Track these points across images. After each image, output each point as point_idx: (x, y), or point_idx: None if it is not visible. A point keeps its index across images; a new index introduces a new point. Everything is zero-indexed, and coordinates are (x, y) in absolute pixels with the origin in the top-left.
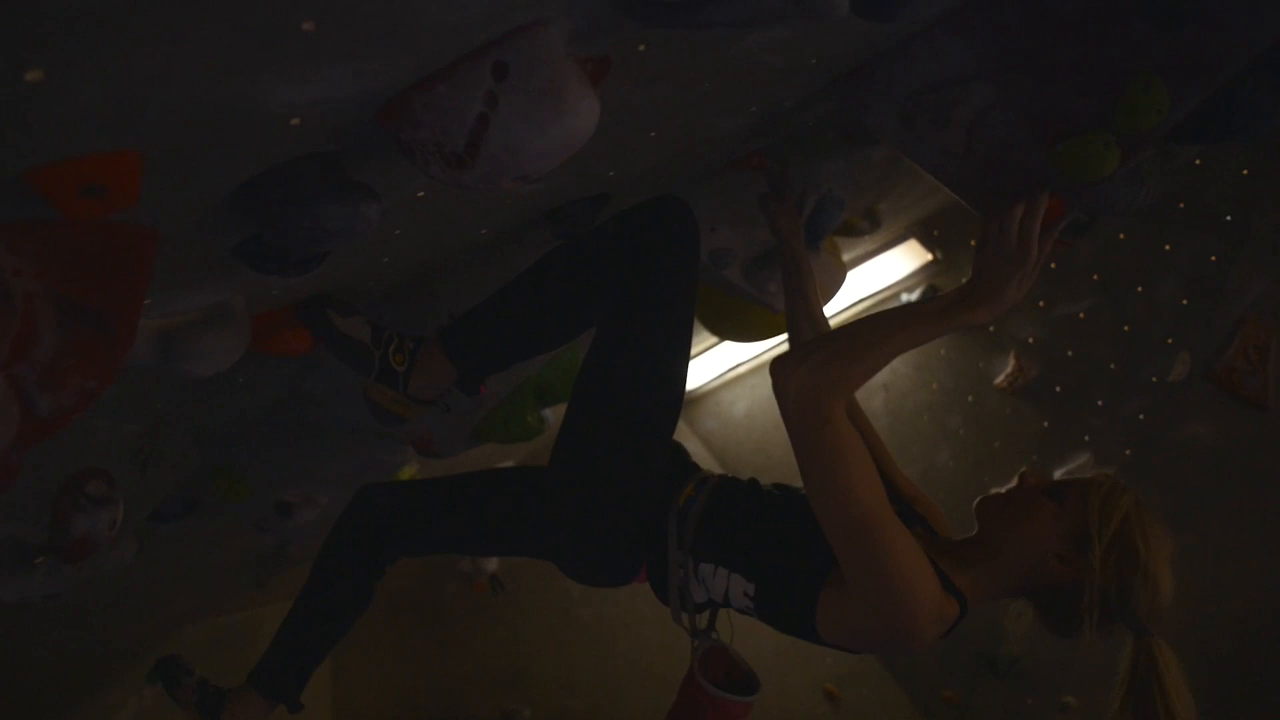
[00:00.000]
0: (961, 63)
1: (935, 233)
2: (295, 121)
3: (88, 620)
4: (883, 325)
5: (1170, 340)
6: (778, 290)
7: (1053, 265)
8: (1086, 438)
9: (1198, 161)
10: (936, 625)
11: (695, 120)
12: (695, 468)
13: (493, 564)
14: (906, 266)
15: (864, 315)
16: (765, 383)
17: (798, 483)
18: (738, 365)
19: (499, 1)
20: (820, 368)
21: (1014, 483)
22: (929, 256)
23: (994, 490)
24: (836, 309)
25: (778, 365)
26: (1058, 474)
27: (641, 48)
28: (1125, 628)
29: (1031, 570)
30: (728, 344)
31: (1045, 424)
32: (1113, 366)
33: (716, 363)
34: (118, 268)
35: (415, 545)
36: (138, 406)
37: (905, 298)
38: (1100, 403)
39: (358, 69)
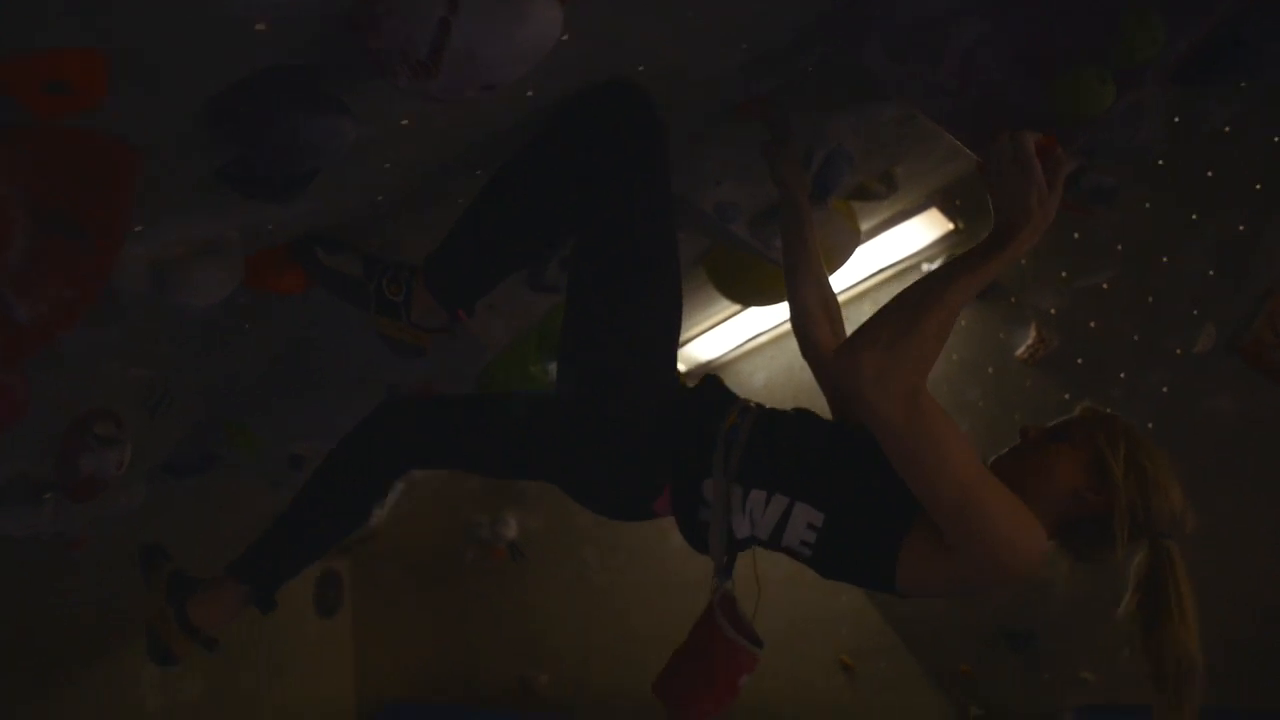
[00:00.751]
0: None
1: (957, 201)
2: (260, 26)
3: (113, 579)
4: (935, 287)
5: (1195, 312)
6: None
7: (1075, 235)
8: (1108, 410)
9: (1226, 129)
10: (1043, 556)
11: (684, 57)
12: (735, 397)
13: (511, 531)
14: (927, 236)
15: (902, 285)
16: (783, 353)
17: None
18: (756, 336)
19: None
20: (892, 348)
21: (1017, 441)
22: (950, 226)
23: (997, 455)
24: (857, 279)
25: (843, 358)
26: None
27: None
28: (1146, 539)
29: (1066, 510)
30: (744, 315)
31: (1066, 396)
32: (1136, 338)
33: (734, 334)
34: (97, 179)
35: (429, 460)
36: (145, 352)
37: (926, 267)
38: (1122, 375)
39: None
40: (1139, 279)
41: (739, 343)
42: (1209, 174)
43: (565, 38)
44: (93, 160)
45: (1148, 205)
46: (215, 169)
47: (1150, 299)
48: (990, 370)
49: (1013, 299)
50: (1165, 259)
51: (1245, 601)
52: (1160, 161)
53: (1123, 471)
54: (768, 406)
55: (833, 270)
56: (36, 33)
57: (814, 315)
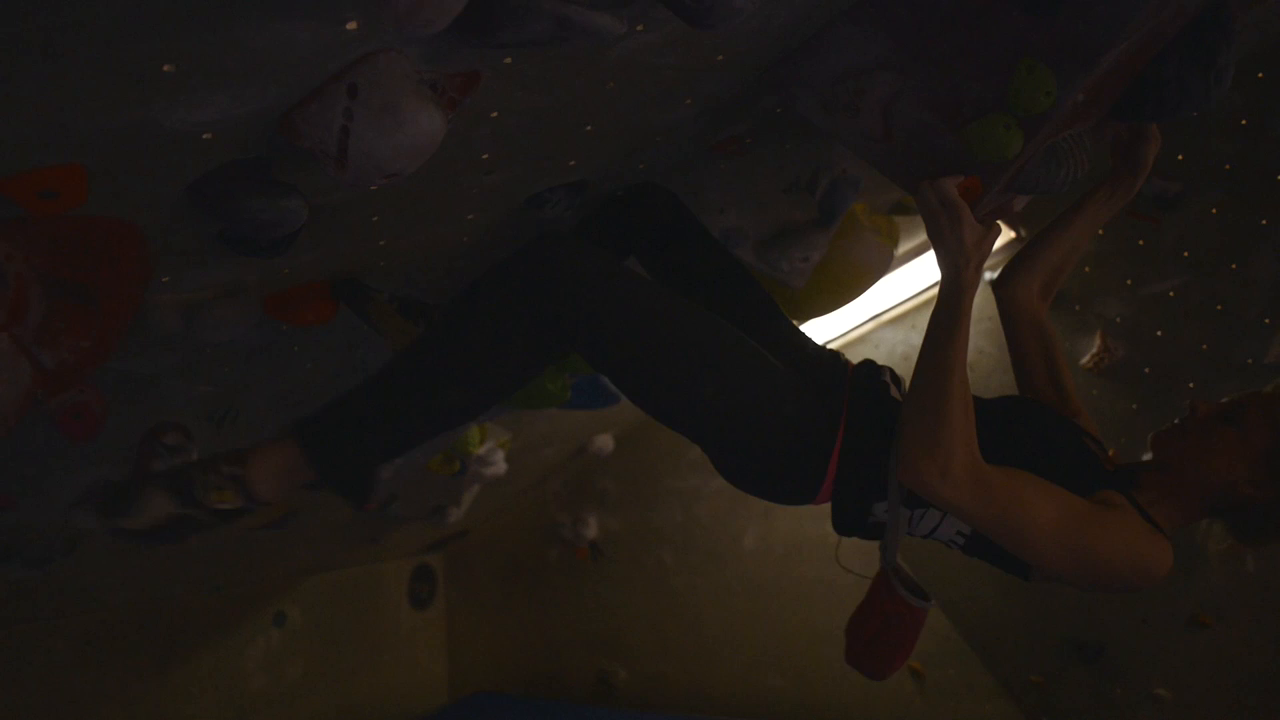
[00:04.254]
0: (865, 53)
1: (1019, 209)
2: (207, 136)
3: (216, 564)
4: (931, 368)
5: (1267, 320)
6: (790, 269)
7: (1140, 242)
8: (1177, 421)
9: None
10: (1168, 569)
11: (628, 114)
12: (890, 398)
13: (592, 531)
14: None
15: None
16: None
17: None
18: None
19: (332, 39)
20: (935, 446)
21: (1186, 414)
22: (1012, 234)
23: (1165, 426)
24: (916, 290)
25: (908, 478)
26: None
27: (508, 60)
28: None
29: (1221, 497)
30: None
31: (1134, 406)
32: (1205, 347)
33: None
34: (100, 251)
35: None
36: (208, 373)
37: (989, 275)
38: (1191, 385)
39: (235, 96)
40: (1207, 286)
41: None
42: (1278, 178)
43: (495, 114)
44: (94, 237)
45: (1215, 211)
46: (214, 233)
47: (1219, 307)
48: None
49: (1077, 307)
50: (1234, 266)
51: None
52: (1228, 166)
53: None
54: None
55: (864, 289)
56: (33, 154)
57: (1034, 270)
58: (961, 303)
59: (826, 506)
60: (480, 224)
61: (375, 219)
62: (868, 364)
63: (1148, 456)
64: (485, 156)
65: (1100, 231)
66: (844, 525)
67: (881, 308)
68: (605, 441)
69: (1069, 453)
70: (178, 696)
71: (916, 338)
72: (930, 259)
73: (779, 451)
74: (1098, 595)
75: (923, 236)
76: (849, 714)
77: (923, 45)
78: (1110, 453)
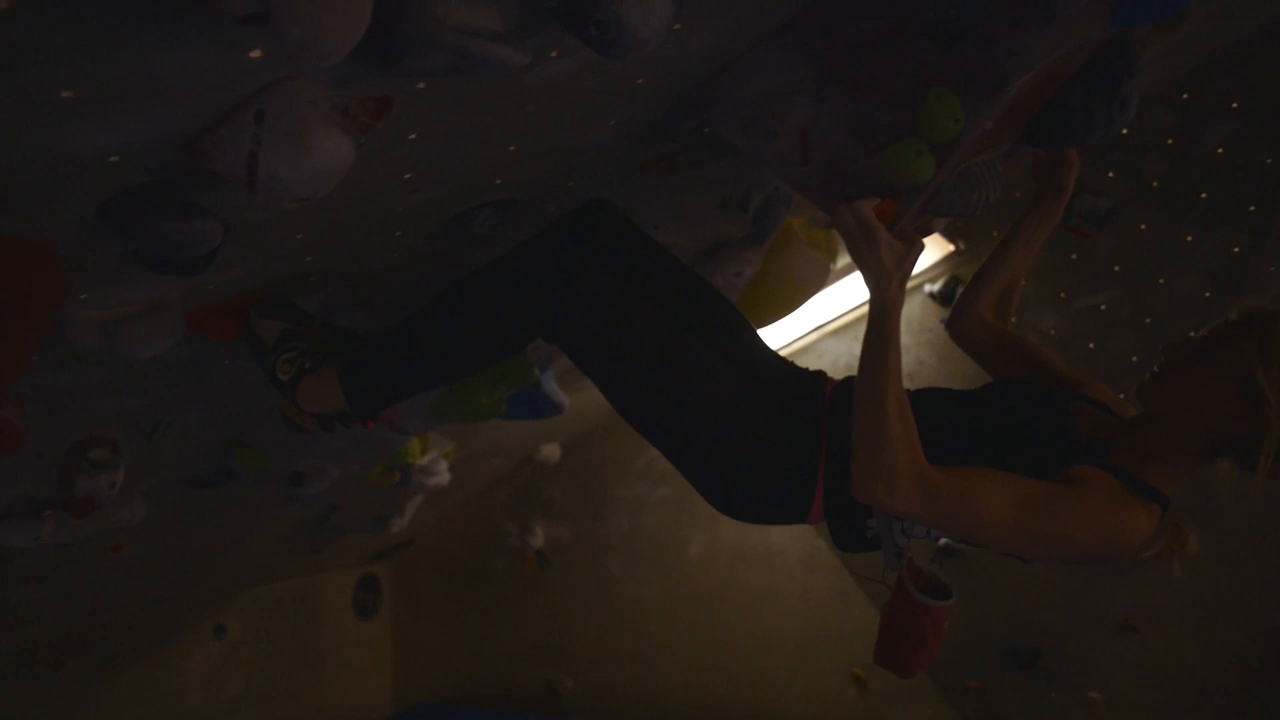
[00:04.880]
0: (783, 79)
1: (958, 223)
2: (114, 159)
3: (154, 578)
4: (868, 392)
5: (1193, 333)
6: (723, 284)
7: (1074, 256)
8: (1155, 368)
9: (1220, 151)
10: (1145, 537)
11: (552, 135)
12: None
13: (539, 540)
14: (930, 258)
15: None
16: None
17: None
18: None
19: (236, 67)
20: (879, 466)
21: (1162, 359)
22: (951, 247)
23: (1144, 376)
24: (859, 301)
25: (862, 497)
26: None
27: (421, 85)
28: None
29: (1212, 438)
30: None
31: None
32: (1134, 359)
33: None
34: (9, 271)
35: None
36: (139, 386)
37: (929, 288)
38: (1122, 395)
39: (139, 120)
40: (1137, 300)
41: None
42: (1204, 196)
43: (413, 136)
44: (1, 256)
45: (1144, 227)
46: (130, 252)
47: (1148, 320)
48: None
49: (1013, 319)
50: (1162, 280)
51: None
52: (1156, 184)
53: (1276, 393)
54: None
55: (801, 302)
56: None
57: (980, 303)
58: (888, 321)
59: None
60: (409, 240)
61: (300, 236)
62: (848, 381)
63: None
64: (408, 176)
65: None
66: (845, 543)
67: (825, 319)
68: (552, 450)
69: (1035, 434)
70: (112, 714)
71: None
72: None
73: (765, 476)
74: (1075, 569)
75: None
76: None
77: (838, 72)
78: (1129, 412)
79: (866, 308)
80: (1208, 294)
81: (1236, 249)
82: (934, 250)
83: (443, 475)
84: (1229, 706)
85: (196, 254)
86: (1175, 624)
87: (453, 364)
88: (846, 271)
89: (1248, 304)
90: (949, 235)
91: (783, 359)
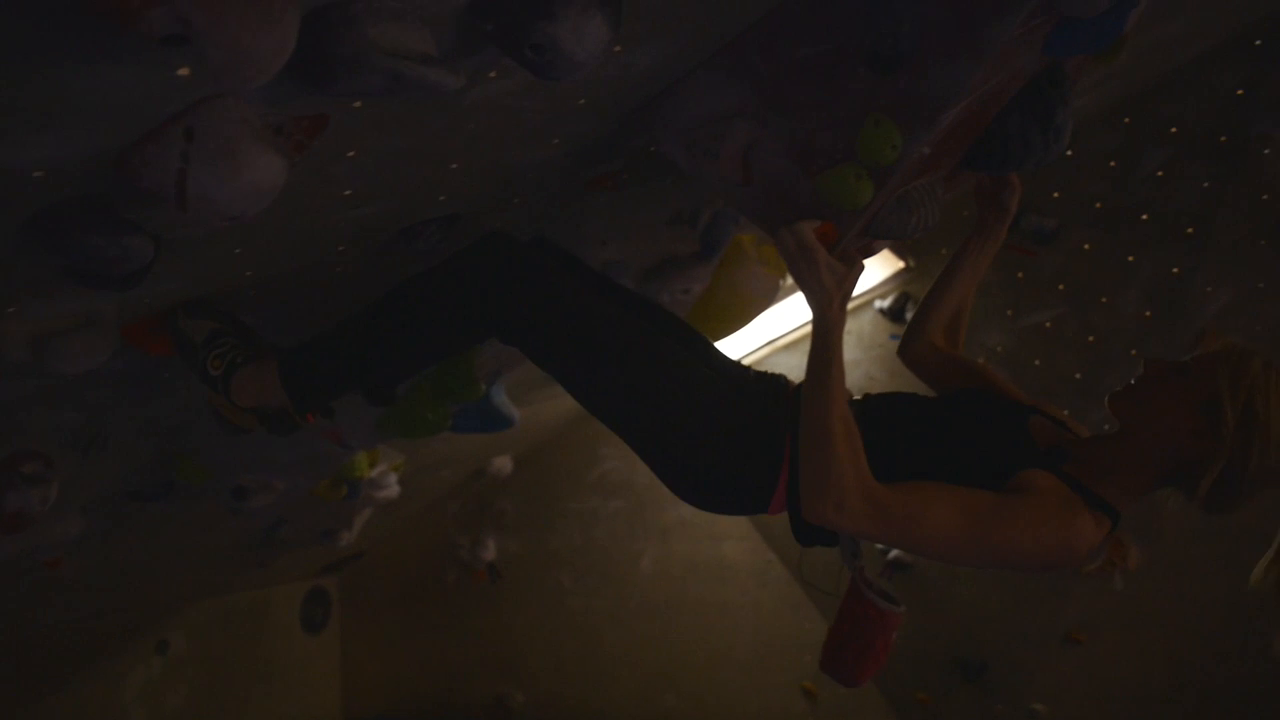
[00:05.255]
0: (724, 101)
1: (907, 240)
2: (38, 174)
3: (93, 593)
4: (813, 412)
5: (1134, 351)
6: (671, 300)
7: (1020, 274)
8: (1131, 381)
9: (1160, 173)
10: (1092, 545)
11: (494, 153)
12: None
13: (490, 553)
14: (879, 274)
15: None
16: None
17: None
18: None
19: (163, 84)
20: (827, 486)
21: (1140, 373)
22: (901, 264)
23: (1119, 387)
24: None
25: (811, 516)
26: None
27: (357, 105)
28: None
29: (1170, 454)
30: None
31: None
32: (1078, 376)
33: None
34: None
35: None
36: (75, 399)
37: (879, 304)
38: (1066, 412)
39: (64, 137)
40: (1081, 318)
41: None
42: (1144, 217)
43: (352, 154)
44: None
45: (1087, 247)
46: (59, 267)
47: (1091, 338)
48: None
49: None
50: (1104, 299)
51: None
52: (1099, 205)
53: (1235, 416)
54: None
55: (750, 318)
56: None
57: (930, 328)
58: (830, 340)
59: (727, 527)
60: (353, 256)
61: (238, 251)
62: None
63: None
64: (348, 193)
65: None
66: (803, 535)
67: (775, 334)
68: (504, 463)
69: (993, 440)
70: None
71: None
72: None
73: (731, 459)
74: (1022, 580)
75: None
76: None
77: (779, 95)
78: (1084, 433)
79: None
80: (1148, 313)
81: (1175, 269)
82: (884, 267)
83: (392, 488)
84: (1168, 715)
85: (127, 270)
86: (1117, 636)
87: (399, 357)
88: (796, 288)
89: (1229, 338)
90: (898, 252)
91: (741, 363)
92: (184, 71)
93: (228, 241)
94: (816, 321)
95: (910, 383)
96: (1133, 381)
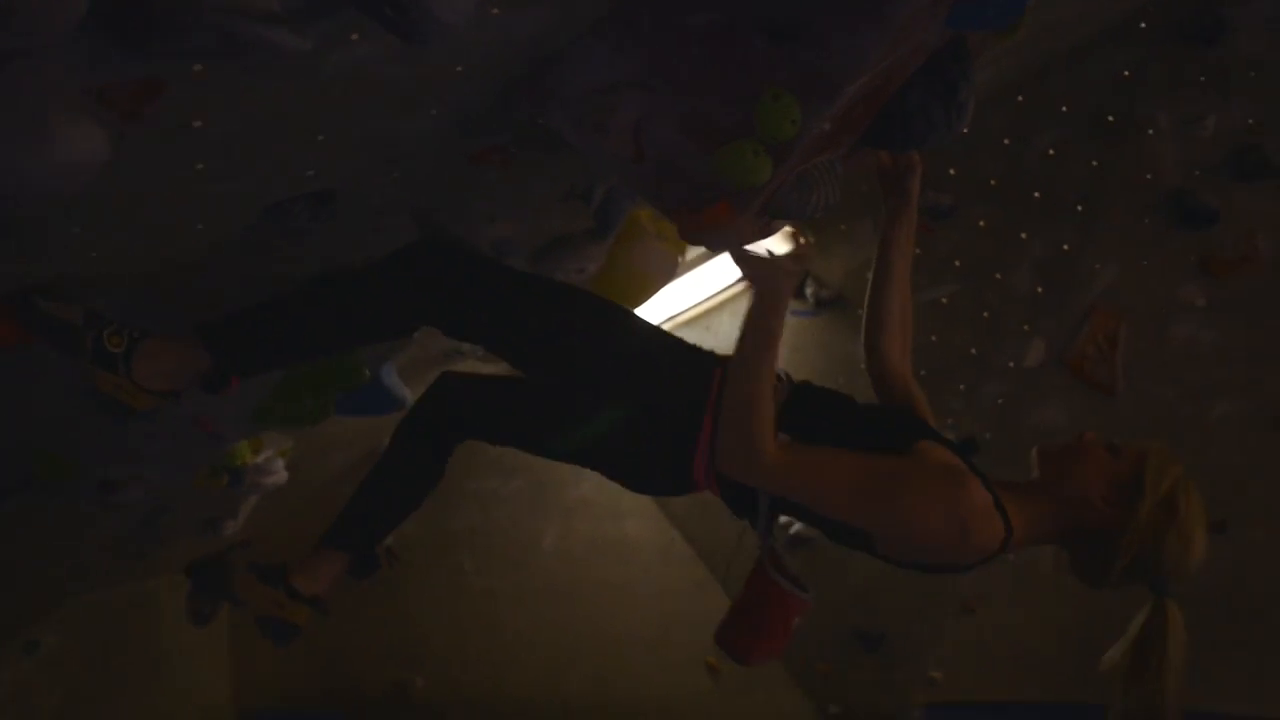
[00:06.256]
0: (614, 70)
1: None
2: None
3: None
4: (752, 364)
5: (1026, 327)
6: (567, 280)
7: (917, 251)
8: (950, 420)
9: (1051, 152)
10: (985, 531)
11: (366, 123)
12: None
13: (387, 537)
14: (778, 249)
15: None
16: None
17: None
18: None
19: None
20: (740, 444)
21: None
22: (801, 241)
23: (1051, 443)
24: (712, 292)
25: (727, 464)
26: None
27: (198, 68)
28: (1147, 585)
29: (1078, 511)
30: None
31: None
32: (973, 351)
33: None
34: None
35: (482, 434)
36: None
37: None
38: (962, 387)
39: None
40: (976, 295)
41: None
42: (1036, 195)
43: (198, 124)
44: None
45: (982, 224)
46: None
47: (986, 314)
48: (841, 380)
49: (859, 311)
50: (999, 276)
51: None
52: (994, 182)
53: (1154, 500)
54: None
55: (649, 295)
56: None
57: (889, 328)
58: (782, 313)
59: (629, 506)
60: (216, 235)
61: (76, 231)
62: None
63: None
64: (200, 167)
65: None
66: (736, 501)
67: (677, 309)
68: None
69: (895, 421)
70: None
71: (711, 339)
72: (716, 264)
73: (658, 419)
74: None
75: None
76: (647, 713)
77: (671, 66)
78: None
79: (719, 298)
80: (1040, 289)
81: (1066, 246)
82: (782, 245)
83: (280, 474)
84: (1053, 676)
85: None
86: (1008, 605)
87: (331, 334)
88: (696, 263)
89: (1160, 444)
90: (798, 230)
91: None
92: None
93: (64, 220)
94: (775, 296)
95: (806, 358)
96: (1068, 441)
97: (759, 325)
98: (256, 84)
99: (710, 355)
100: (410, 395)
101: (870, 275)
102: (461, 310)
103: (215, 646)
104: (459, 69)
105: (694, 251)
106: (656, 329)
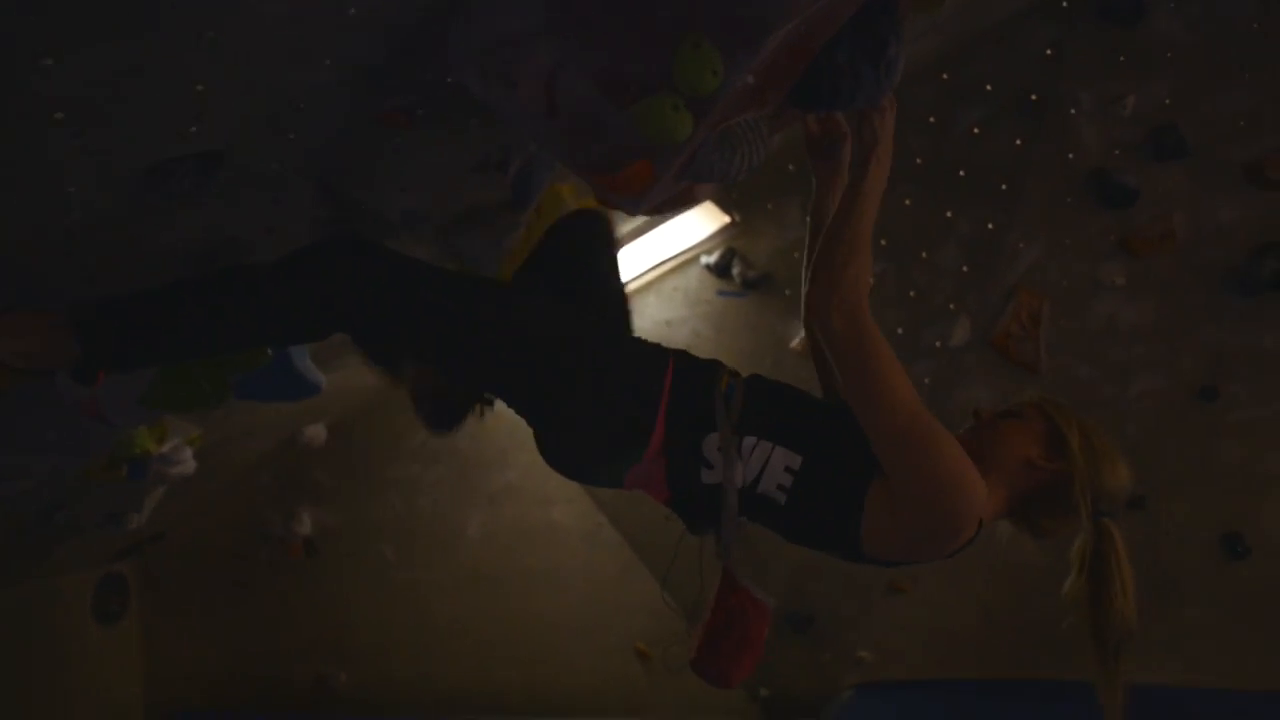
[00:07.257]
0: (520, 20)
1: (732, 194)
2: None
3: None
4: (849, 222)
5: (952, 306)
6: (480, 254)
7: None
8: (967, 426)
9: (975, 130)
10: (975, 523)
11: (250, 72)
12: (718, 363)
13: (306, 527)
14: (704, 229)
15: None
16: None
17: None
18: None
19: None
20: (840, 284)
21: (970, 423)
22: (726, 219)
23: (957, 432)
24: (639, 271)
25: (815, 298)
26: None
27: None
28: (1090, 515)
29: (1022, 479)
30: None
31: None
32: (900, 331)
33: None
34: None
35: (390, 328)
36: None
37: (705, 260)
38: None
39: None
40: (902, 274)
41: None
42: (961, 173)
43: (50, 62)
44: None
45: (908, 202)
46: None
47: (912, 293)
48: (768, 361)
49: (787, 292)
50: (924, 255)
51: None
52: (919, 160)
53: (1078, 441)
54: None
55: None
56: None
57: None
58: (853, 192)
59: (556, 491)
60: (89, 198)
61: None
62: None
63: None
64: (59, 116)
65: None
66: (690, 510)
67: None
68: (317, 431)
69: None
70: None
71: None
72: (642, 244)
73: (610, 418)
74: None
75: (636, 222)
76: (578, 702)
77: (582, 14)
78: None
79: (651, 274)
80: (965, 268)
81: (990, 225)
82: (709, 222)
83: (187, 463)
84: (977, 653)
85: None
86: (935, 585)
87: (222, 337)
88: (624, 240)
89: (1040, 392)
90: (724, 207)
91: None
92: None
93: None
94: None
95: (737, 341)
96: (965, 431)
97: (872, 192)
98: (116, 17)
99: (659, 348)
100: (325, 380)
101: (805, 253)
102: (381, 319)
103: (126, 647)
104: (351, 11)
105: (622, 228)
106: (601, 322)
